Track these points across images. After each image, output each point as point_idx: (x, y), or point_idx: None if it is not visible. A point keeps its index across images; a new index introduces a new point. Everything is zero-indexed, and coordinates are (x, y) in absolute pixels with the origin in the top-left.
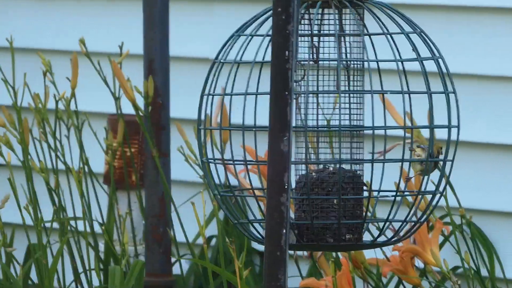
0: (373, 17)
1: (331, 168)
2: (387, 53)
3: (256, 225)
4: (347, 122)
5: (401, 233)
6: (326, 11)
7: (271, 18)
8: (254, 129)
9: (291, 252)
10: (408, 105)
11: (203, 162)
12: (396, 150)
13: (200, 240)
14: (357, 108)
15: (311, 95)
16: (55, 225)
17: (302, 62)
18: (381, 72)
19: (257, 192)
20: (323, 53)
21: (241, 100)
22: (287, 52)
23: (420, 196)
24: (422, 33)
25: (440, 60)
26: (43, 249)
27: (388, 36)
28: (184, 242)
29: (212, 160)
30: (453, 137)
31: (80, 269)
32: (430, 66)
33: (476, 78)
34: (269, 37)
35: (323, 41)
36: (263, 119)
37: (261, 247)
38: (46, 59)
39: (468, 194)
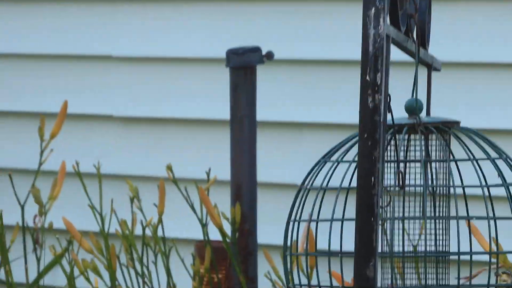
0: (459, 143)
1: None
2: (473, 179)
3: None
4: (433, 248)
5: None
6: (412, 136)
7: (357, 144)
8: (340, 255)
9: None
10: (494, 230)
11: None
12: (482, 275)
13: None
14: (443, 234)
15: (397, 220)
16: None
17: (388, 188)
18: (467, 197)
19: None
20: (409, 179)
21: (328, 226)
22: (373, 178)
23: None
24: (507, 159)
25: None
26: None
27: (474, 161)
28: None
29: (299, 286)
30: None
31: None
32: None
33: None
34: (355, 163)
35: (409, 167)
36: (350, 245)
37: None
38: (133, 186)
39: None
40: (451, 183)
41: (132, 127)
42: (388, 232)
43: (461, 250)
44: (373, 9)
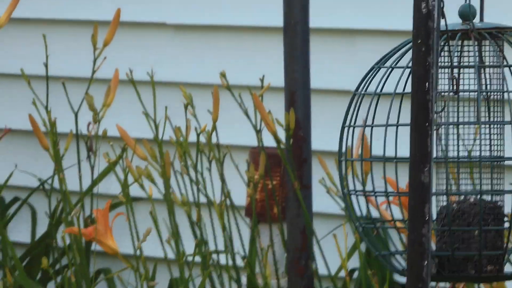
0: None
1: (471, 199)
2: None
3: (398, 256)
4: (487, 153)
5: None
6: (465, 42)
7: (411, 50)
8: (395, 161)
9: (433, 283)
10: None
11: (344, 194)
12: None
13: (343, 273)
14: (497, 139)
15: (451, 126)
16: (197, 258)
17: (442, 94)
18: None
19: (398, 224)
20: (463, 84)
21: (382, 131)
22: (427, 83)
23: None
24: None
25: None
26: (185, 283)
27: None
28: (326, 275)
29: (354, 192)
30: None
31: None
32: None
33: None
34: (409, 69)
35: (463, 73)
36: (404, 151)
37: (403, 279)
38: (187, 92)
39: None
40: (505, 88)
41: (185, 35)
42: (442, 137)
43: None
44: None
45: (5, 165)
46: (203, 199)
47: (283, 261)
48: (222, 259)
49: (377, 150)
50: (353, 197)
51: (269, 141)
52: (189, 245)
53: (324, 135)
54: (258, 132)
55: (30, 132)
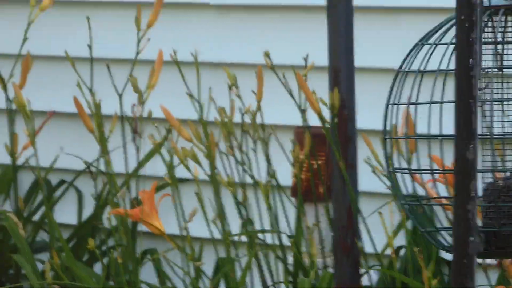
0: None
1: None
2: None
3: (444, 233)
4: None
5: None
6: (509, 18)
7: (454, 26)
8: (440, 138)
9: (480, 260)
10: None
11: (390, 172)
12: None
13: (389, 251)
14: None
15: (496, 102)
16: (243, 238)
17: (486, 70)
18: None
19: (444, 201)
20: (508, 60)
21: (426, 109)
22: (470, 60)
23: None
24: None
25: None
26: (232, 263)
27: None
28: (372, 253)
29: (399, 170)
30: None
31: (269, 282)
32: None
33: None
34: (453, 46)
35: (507, 49)
36: (449, 128)
37: (449, 256)
38: (231, 73)
39: None
40: None
41: (228, 15)
42: (487, 114)
43: None
44: None
45: (51, 148)
46: (248, 179)
47: (329, 239)
48: (268, 239)
49: (422, 128)
50: (399, 175)
51: (314, 120)
52: (235, 225)
53: (369, 113)
54: (303, 111)
55: (75, 115)
